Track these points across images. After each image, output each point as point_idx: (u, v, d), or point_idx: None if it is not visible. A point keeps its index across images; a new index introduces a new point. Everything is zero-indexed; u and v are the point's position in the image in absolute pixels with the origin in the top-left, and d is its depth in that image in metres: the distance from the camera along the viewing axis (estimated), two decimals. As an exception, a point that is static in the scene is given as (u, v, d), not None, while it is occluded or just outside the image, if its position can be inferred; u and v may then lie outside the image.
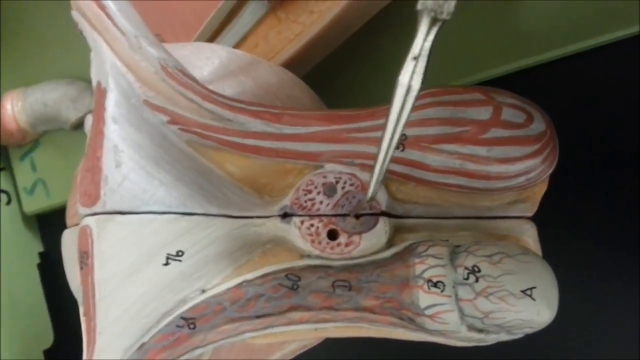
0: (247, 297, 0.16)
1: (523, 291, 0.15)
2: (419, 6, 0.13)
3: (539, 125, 0.17)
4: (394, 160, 0.17)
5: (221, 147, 0.17)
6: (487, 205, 0.18)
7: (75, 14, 0.17)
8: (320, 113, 0.17)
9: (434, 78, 0.24)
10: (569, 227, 0.24)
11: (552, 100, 0.21)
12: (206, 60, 0.20)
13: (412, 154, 0.17)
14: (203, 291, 0.16)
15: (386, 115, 0.14)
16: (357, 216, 0.17)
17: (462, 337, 0.16)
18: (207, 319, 0.16)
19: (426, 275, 0.15)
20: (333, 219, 0.17)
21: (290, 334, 0.17)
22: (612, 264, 0.24)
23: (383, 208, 0.17)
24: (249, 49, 0.23)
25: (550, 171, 0.17)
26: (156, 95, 0.17)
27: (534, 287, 0.15)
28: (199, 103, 0.16)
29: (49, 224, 0.32)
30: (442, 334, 0.16)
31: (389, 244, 0.17)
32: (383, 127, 0.14)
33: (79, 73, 0.30)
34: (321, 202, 0.17)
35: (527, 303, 0.15)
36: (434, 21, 0.13)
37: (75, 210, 0.17)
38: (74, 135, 0.30)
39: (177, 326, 0.16)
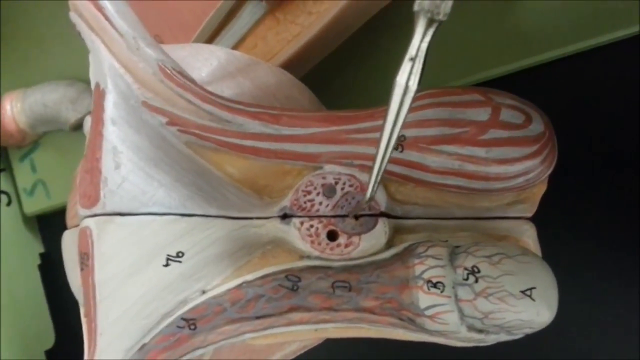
0: (247, 298, 0.16)
1: (523, 292, 0.15)
2: (416, 7, 0.13)
3: (537, 126, 0.17)
4: (393, 161, 0.17)
5: (220, 148, 0.17)
6: (487, 206, 0.18)
7: (73, 16, 0.17)
8: (319, 114, 0.17)
9: (433, 78, 0.24)
10: (568, 227, 0.24)
11: (552, 101, 0.21)
12: (204, 62, 0.20)
13: (411, 155, 0.17)
14: (203, 292, 0.16)
15: (384, 116, 0.14)
16: (357, 217, 0.17)
17: (462, 337, 0.16)
18: (208, 320, 0.16)
19: (426, 275, 0.15)
20: (332, 219, 0.17)
21: (290, 334, 0.17)
22: (612, 264, 0.24)
23: (382, 209, 0.17)
24: (247, 50, 0.23)
25: (549, 172, 0.17)
26: (155, 97, 0.17)
27: (534, 288, 0.15)
28: (198, 104, 0.17)
29: (50, 225, 0.32)
30: (442, 334, 0.16)
31: (389, 244, 0.17)
32: (381, 128, 0.14)
33: (78, 74, 0.30)
34: (320, 203, 0.17)
35: (527, 303, 0.15)
36: (430, 22, 0.13)
37: (75, 211, 0.17)
38: (73, 136, 0.30)
39: (178, 327, 0.16)
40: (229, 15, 0.23)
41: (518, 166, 0.17)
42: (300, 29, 0.22)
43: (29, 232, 0.32)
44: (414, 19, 0.13)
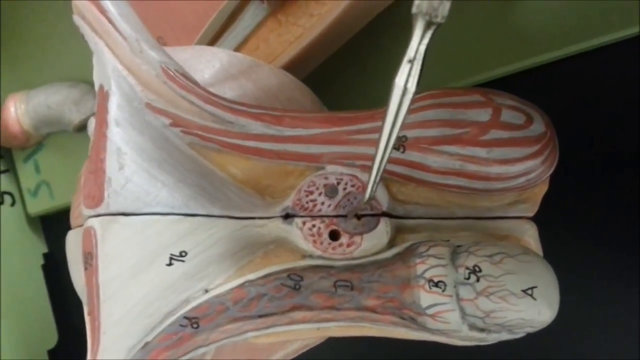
0: (249, 297, 0.16)
1: (524, 291, 0.15)
2: (414, 9, 0.13)
3: (538, 126, 0.17)
4: (394, 161, 0.17)
5: (223, 149, 0.17)
6: (488, 205, 0.18)
7: (76, 18, 0.17)
8: (320, 115, 0.18)
9: (434, 79, 0.24)
10: (569, 227, 0.24)
11: (553, 101, 0.21)
12: (207, 64, 0.20)
13: (413, 156, 0.17)
14: (206, 291, 0.17)
15: (383, 117, 0.14)
16: (359, 217, 0.17)
17: (463, 336, 0.16)
18: (210, 319, 0.16)
19: (427, 275, 0.16)
20: (335, 219, 0.17)
21: (292, 333, 0.17)
22: (612, 264, 0.24)
23: (384, 209, 0.17)
24: (249, 51, 0.23)
25: (551, 172, 0.17)
26: (158, 98, 0.17)
27: (535, 287, 0.15)
28: (201, 106, 0.17)
29: (53, 225, 0.33)
30: (443, 333, 0.16)
31: (390, 244, 0.17)
32: (380, 129, 0.14)
33: (81, 75, 0.30)
34: (322, 203, 0.17)
35: (528, 302, 0.15)
36: (428, 24, 0.13)
37: (79, 211, 0.17)
38: (77, 138, 0.30)
39: (181, 326, 0.16)
40: (231, 17, 0.24)
41: (519, 166, 0.17)
42: (302, 31, 0.22)
43: (32, 233, 0.32)
44: (412, 21, 0.13)
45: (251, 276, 0.17)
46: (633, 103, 0.24)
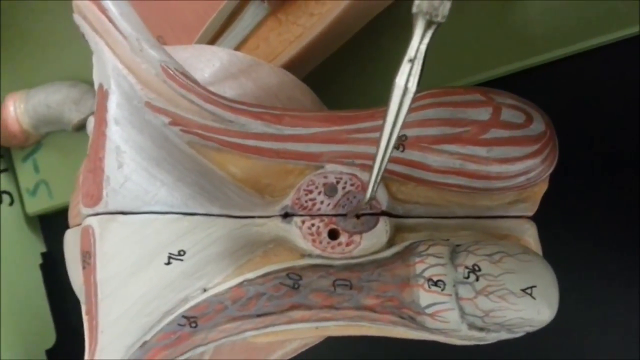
0: (248, 296, 0.16)
1: (523, 290, 0.15)
2: (414, 9, 0.13)
3: (538, 125, 0.17)
4: (394, 160, 0.17)
5: (222, 148, 0.17)
6: (488, 204, 0.18)
7: (76, 17, 0.17)
8: (320, 114, 0.18)
9: (435, 79, 0.24)
10: (569, 227, 0.24)
11: (553, 101, 0.21)
12: (207, 63, 0.20)
13: (413, 155, 0.17)
14: (204, 290, 0.17)
15: (383, 116, 0.14)
16: (358, 216, 0.17)
17: (462, 335, 0.16)
18: (209, 318, 0.16)
19: (426, 274, 0.16)
20: (334, 218, 0.17)
21: (291, 332, 0.17)
22: (612, 264, 0.24)
23: (384, 208, 0.17)
24: (249, 51, 0.23)
25: (550, 171, 0.17)
26: (157, 97, 0.17)
27: (534, 286, 0.15)
28: (200, 105, 0.17)
29: (52, 225, 0.33)
30: (442, 332, 0.16)
31: (390, 243, 0.17)
32: (380, 129, 0.14)
33: (81, 75, 0.30)
34: (322, 202, 0.17)
35: (528, 302, 0.15)
36: (429, 24, 0.13)
37: (78, 210, 0.17)
38: (76, 137, 0.30)
39: (179, 325, 0.16)
40: (231, 17, 0.24)
41: (519, 165, 0.17)
42: (302, 30, 0.22)
43: (31, 232, 0.32)
44: (413, 21, 0.13)
45: (250, 275, 0.17)
46: (633, 103, 0.24)
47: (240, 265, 0.17)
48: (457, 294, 0.15)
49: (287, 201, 0.17)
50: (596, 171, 0.25)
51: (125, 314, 0.16)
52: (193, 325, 0.16)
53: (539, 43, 0.24)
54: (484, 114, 0.17)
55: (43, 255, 0.32)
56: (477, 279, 0.15)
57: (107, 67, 0.16)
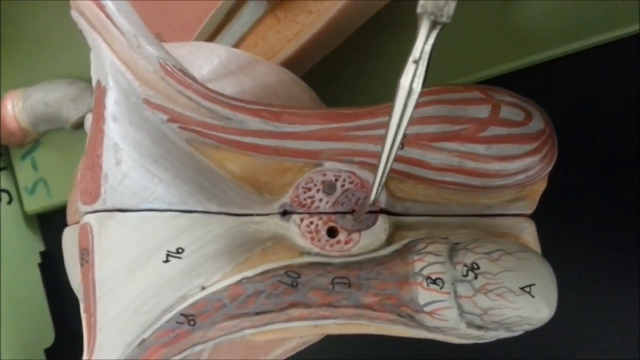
0: (246, 294, 0.16)
1: (522, 288, 0.15)
2: (419, 9, 0.13)
3: (537, 123, 0.17)
4: (393, 158, 0.17)
5: (220, 145, 0.17)
6: (487, 203, 0.18)
7: (74, 14, 0.17)
8: (319, 111, 0.18)
9: (434, 77, 0.24)
10: (569, 227, 0.24)
11: (552, 99, 0.21)
12: (205, 60, 0.20)
13: (412, 152, 0.17)
14: (203, 288, 0.16)
15: (388, 118, 0.14)
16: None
17: (461, 333, 0.16)
18: (207, 316, 0.16)
19: (425, 272, 0.16)
20: (332, 216, 0.17)
21: (290, 330, 0.17)
22: (612, 264, 0.24)
23: (382, 206, 0.17)
24: (248, 48, 0.23)
25: (549, 169, 0.17)
26: (155, 94, 0.17)
27: (533, 284, 0.15)
28: (198, 101, 0.17)
29: (50, 223, 0.33)
30: (441, 330, 0.16)
31: (389, 241, 0.17)
32: (385, 130, 0.14)
33: (79, 73, 0.30)
34: (320, 200, 0.17)
35: (526, 300, 0.15)
36: (434, 24, 0.13)
37: (76, 208, 0.17)
38: (74, 135, 0.30)
39: (177, 322, 0.16)
40: (230, 14, 0.24)
41: (518, 163, 0.17)
42: (301, 28, 0.22)
43: (29, 231, 0.32)
44: (417, 21, 0.13)
45: (248, 273, 0.16)
46: (633, 101, 0.24)
47: (238, 263, 0.17)
48: (455, 292, 0.15)
49: (286, 199, 0.17)
50: (595, 170, 0.25)
51: (124, 311, 0.16)
52: (191, 323, 0.16)
53: (539, 41, 0.24)
54: (483, 111, 0.17)
55: (42, 254, 0.32)
56: (476, 277, 0.15)
57: (105, 63, 0.16)
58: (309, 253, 0.17)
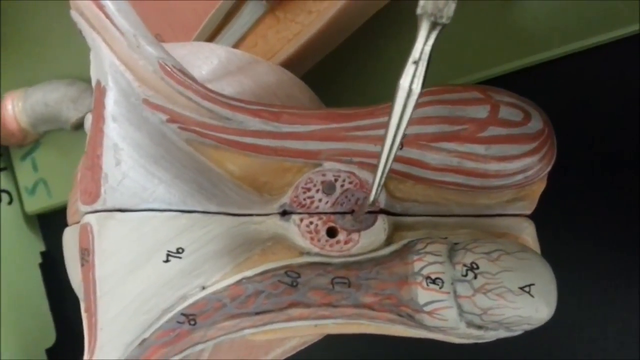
0: (246, 294, 0.16)
1: (521, 288, 0.15)
2: (419, 10, 0.13)
3: (536, 123, 0.17)
4: (392, 158, 0.17)
5: (220, 145, 0.17)
6: (486, 203, 0.18)
7: (74, 14, 0.17)
8: (319, 112, 0.18)
9: (434, 77, 0.24)
10: (568, 227, 0.24)
11: (552, 99, 0.21)
12: (205, 60, 0.20)
13: (411, 152, 0.17)
14: (203, 288, 0.17)
15: (387, 118, 0.14)
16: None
17: (461, 333, 0.16)
18: (208, 315, 0.16)
19: (425, 272, 0.16)
20: (332, 216, 0.17)
21: (290, 330, 0.17)
22: (612, 264, 0.24)
23: (382, 206, 0.17)
24: (247, 48, 0.23)
25: (549, 169, 0.17)
26: (155, 94, 0.17)
27: (533, 284, 0.15)
28: (198, 102, 0.17)
29: (51, 224, 0.33)
30: (441, 330, 0.16)
31: (388, 241, 0.17)
32: (385, 131, 0.14)
33: (79, 73, 0.30)
34: (320, 200, 0.17)
35: (526, 300, 0.15)
36: (433, 25, 0.13)
37: (76, 208, 0.17)
38: (74, 135, 0.30)
39: (178, 322, 0.16)
40: (230, 14, 0.24)
41: (517, 163, 0.17)
42: (300, 28, 0.22)
43: (30, 231, 0.32)
44: (417, 22, 0.13)
45: (248, 273, 0.16)
46: (633, 102, 0.24)
47: (238, 263, 0.17)
48: (455, 292, 0.15)
49: (286, 199, 0.17)
50: (595, 170, 0.25)
51: (124, 311, 0.16)
52: (192, 322, 0.16)
53: (539, 42, 0.24)
54: (482, 111, 0.17)
55: (42, 254, 0.32)
56: (475, 277, 0.15)
57: (104, 63, 0.16)
58: (308, 253, 0.17)
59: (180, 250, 0.16)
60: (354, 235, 0.17)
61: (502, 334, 0.16)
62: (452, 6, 0.13)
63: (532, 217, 0.18)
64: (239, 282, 0.16)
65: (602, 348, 0.24)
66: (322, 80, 0.23)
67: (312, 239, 0.17)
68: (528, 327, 0.16)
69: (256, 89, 0.20)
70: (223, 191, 0.17)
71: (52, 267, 0.32)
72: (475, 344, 0.17)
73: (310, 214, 0.17)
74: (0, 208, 0.31)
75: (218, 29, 0.24)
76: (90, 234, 0.16)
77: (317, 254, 0.17)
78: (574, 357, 0.25)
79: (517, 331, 0.16)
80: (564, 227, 0.24)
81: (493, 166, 0.17)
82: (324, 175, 0.17)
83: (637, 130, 0.24)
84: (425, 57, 0.13)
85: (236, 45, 0.24)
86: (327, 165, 0.17)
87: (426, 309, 0.15)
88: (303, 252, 0.17)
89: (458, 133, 0.17)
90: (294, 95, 0.21)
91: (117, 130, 0.16)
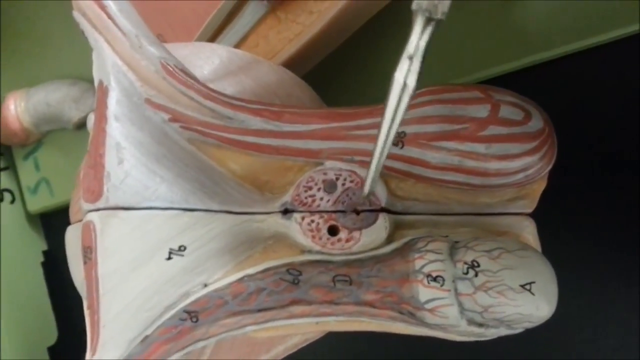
0: (248, 291, 0.16)
1: (522, 286, 0.15)
2: (414, 6, 0.13)
3: (537, 122, 0.17)
4: (393, 157, 0.17)
5: (222, 144, 0.17)
6: (487, 201, 0.18)
7: (76, 14, 0.17)
8: (319, 111, 0.18)
9: (434, 76, 0.24)
10: (568, 226, 0.24)
11: (552, 99, 0.21)
12: (206, 60, 0.20)
13: (412, 151, 0.17)
14: (205, 285, 0.17)
15: (382, 112, 0.14)
16: (358, 212, 0.17)
17: (461, 331, 0.16)
18: (210, 313, 0.16)
19: (426, 270, 0.16)
20: (333, 215, 0.17)
21: (291, 327, 0.17)
22: (612, 264, 0.24)
23: (383, 204, 0.17)
24: (249, 48, 0.23)
25: (549, 168, 0.17)
26: (157, 94, 0.17)
27: (533, 282, 0.15)
28: (200, 101, 0.17)
29: (53, 223, 0.33)
30: (441, 328, 0.16)
31: (389, 240, 0.17)
32: (379, 125, 0.14)
33: (81, 73, 0.30)
34: (321, 199, 0.17)
35: (526, 297, 0.15)
36: (428, 21, 0.13)
37: (79, 206, 0.17)
38: (76, 135, 0.30)
39: (180, 319, 0.16)
40: (231, 15, 0.24)
41: (518, 162, 0.17)
42: (301, 28, 0.23)
43: (32, 230, 0.32)
44: (412, 17, 0.13)
45: (250, 271, 0.17)
46: (633, 101, 0.24)
47: (240, 261, 0.17)
48: (456, 290, 0.15)
49: (287, 197, 0.17)
50: (595, 170, 0.25)
51: (127, 308, 0.16)
52: (194, 319, 0.16)
53: (539, 41, 0.24)
54: (482, 111, 0.17)
55: (44, 253, 0.32)
56: (476, 275, 0.15)
57: (106, 63, 0.17)
58: (310, 251, 0.17)
59: (182, 248, 0.16)
60: (355, 234, 0.17)
61: (503, 331, 0.16)
62: (447, 2, 0.13)
63: (533, 217, 0.18)
64: (240, 279, 0.16)
65: (602, 348, 0.24)
66: (323, 80, 0.23)
67: (313, 237, 0.17)
68: (529, 325, 0.16)
69: (257, 88, 0.20)
70: (225, 190, 0.17)
71: (54, 266, 0.32)
72: (476, 343, 0.17)
73: (312, 213, 0.17)
74: (3, 207, 0.31)
75: (219, 30, 0.24)
76: (93, 232, 0.16)
77: (318, 252, 0.17)
78: (574, 357, 0.25)
79: (518, 329, 0.16)
80: (564, 227, 0.24)
81: (494, 165, 0.17)
82: (325, 174, 0.17)
83: (637, 130, 0.24)
84: (420, 52, 0.13)
85: (237, 46, 0.24)
86: (329, 164, 0.17)
87: (427, 306, 0.16)
88: (304, 250, 0.17)
89: (459, 132, 0.17)
90: (295, 95, 0.21)
91: (120, 130, 0.16)
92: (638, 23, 0.23)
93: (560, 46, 0.24)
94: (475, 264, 0.15)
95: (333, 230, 0.17)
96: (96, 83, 0.17)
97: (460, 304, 0.15)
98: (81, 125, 0.29)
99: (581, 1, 0.24)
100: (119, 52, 0.17)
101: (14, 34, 0.32)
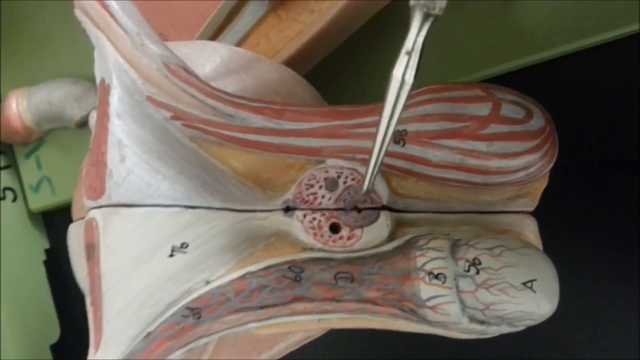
0: (250, 288, 0.16)
1: (524, 283, 0.15)
2: (412, 2, 0.13)
3: (538, 121, 0.17)
4: (395, 155, 0.17)
5: (224, 142, 0.17)
6: (488, 200, 0.18)
7: (78, 13, 0.17)
8: (321, 109, 0.18)
9: (435, 76, 0.25)
10: (569, 226, 0.24)
11: (552, 99, 0.21)
12: (208, 58, 0.21)
13: (413, 149, 0.17)
14: (207, 282, 0.17)
15: (380, 109, 0.14)
16: (359, 210, 0.17)
17: (463, 328, 0.16)
18: (212, 309, 0.16)
19: (427, 267, 0.16)
20: (335, 212, 0.17)
21: (293, 324, 0.17)
22: (612, 263, 0.24)
23: (384, 202, 0.17)
24: (250, 47, 0.23)
25: (550, 166, 0.17)
26: (159, 92, 0.17)
27: (535, 280, 0.15)
28: (201, 99, 0.17)
29: (55, 221, 0.33)
30: (443, 325, 0.16)
31: (391, 237, 0.17)
32: (377, 121, 0.14)
33: (83, 72, 0.30)
34: (323, 196, 0.17)
35: (528, 295, 0.15)
36: (426, 17, 0.13)
37: (81, 204, 0.17)
38: (78, 134, 0.30)
39: (183, 316, 0.16)
40: (232, 13, 0.24)
41: (519, 160, 0.17)
42: (302, 27, 0.23)
43: (34, 228, 0.32)
44: (410, 13, 0.13)
45: (252, 268, 0.17)
46: (633, 101, 0.24)
47: (242, 258, 0.17)
48: (457, 287, 0.15)
49: (289, 195, 0.17)
50: (595, 169, 0.25)
51: (129, 305, 0.16)
52: (196, 316, 0.16)
53: (539, 41, 0.24)
54: (483, 109, 0.17)
55: (46, 251, 0.32)
56: (478, 272, 0.15)
57: (108, 61, 0.17)
58: (311, 249, 0.17)
59: (184, 245, 0.16)
60: (357, 231, 0.17)
61: (505, 329, 0.16)
62: None
63: (534, 215, 0.18)
64: (243, 276, 0.17)
65: (602, 348, 0.24)
66: (324, 79, 0.23)
67: (315, 234, 0.17)
68: (530, 323, 0.16)
69: (258, 86, 0.20)
70: (227, 187, 0.17)
71: (56, 264, 0.32)
72: (477, 341, 0.17)
73: (313, 210, 0.17)
74: (5, 205, 0.31)
75: (221, 28, 0.24)
76: (96, 229, 0.16)
77: (320, 250, 0.17)
78: (574, 357, 0.25)
79: (520, 327, 0.16)
80: (564, 227, 0.24)
81: (495, 163, 0.17)
82: (326, 171, 0.17)
83: (637, 130, 0.24)
84: (418, 48, 0.13)
85: (239, 44, 0.24)
86: (330, 162, 0.17)
87: (429, 304, 0.16)
88: (306, 248, 0.17)
89: (460, 130, 0.17)
90: (296, 93, 0.21)
91: (122, 127, 0.16)
92: (638, 23, 0.23)
93: (560, 46, 0.24)
94: (477, 262, 0.15)
95: (335, 228, 0.17)
96: (98, 81, 0.17)
97: (461, 302, 0.15)
98: (83, 123, 0.29)
99: (581, 1, 0.24)
100: (121, 50, 0.17)
101: (15, 34, 0.32)
